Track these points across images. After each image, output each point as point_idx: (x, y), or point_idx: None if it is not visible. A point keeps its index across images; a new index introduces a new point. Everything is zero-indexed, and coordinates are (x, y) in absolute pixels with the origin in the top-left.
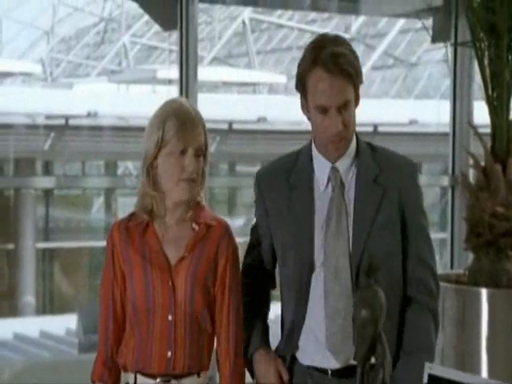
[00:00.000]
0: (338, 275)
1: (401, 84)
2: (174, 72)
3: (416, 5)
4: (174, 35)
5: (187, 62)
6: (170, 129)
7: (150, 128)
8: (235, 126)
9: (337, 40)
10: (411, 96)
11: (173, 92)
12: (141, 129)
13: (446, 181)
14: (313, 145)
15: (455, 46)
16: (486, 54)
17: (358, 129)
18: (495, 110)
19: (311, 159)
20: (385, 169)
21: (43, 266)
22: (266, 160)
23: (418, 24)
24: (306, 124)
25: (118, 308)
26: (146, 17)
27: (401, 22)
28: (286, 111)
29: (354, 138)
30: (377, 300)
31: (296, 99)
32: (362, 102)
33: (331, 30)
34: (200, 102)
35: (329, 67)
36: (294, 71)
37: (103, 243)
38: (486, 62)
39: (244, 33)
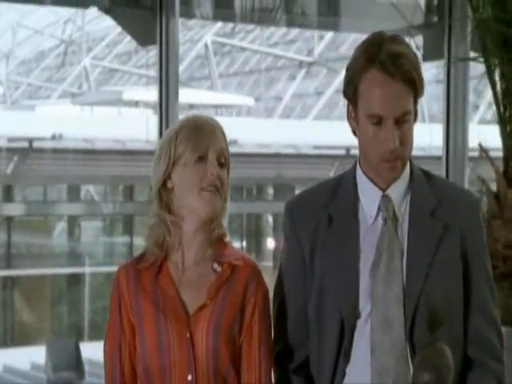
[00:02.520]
0: (389, 326)
1: None
2: (140, 94)
3: (401, 22)
4: (136, 58)
5: (167, 80)
6: (183, 140)
7: (160, 147)
8: None
9: (396, 39)
10: None
11: (147, 113)
12: (107, 152)
13: None
14: (357, 168)
15: (448, 64)
16: (498, 69)
17: (327, 152)
18: (509, 131)
19: (356, 186)
20: (444, 201)
21: (4, 294)
22: (234, 184)
23: None
24: (275, 147)
25: (126, 370)
26: (107, 39)
27: None
28: (256, 134)
29: (408, 163)
30: (443, 361)
31: (264, 122)
32: (332, 124)
33: (294, 54)
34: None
35: (388, 68)
36: (258, 93)
37: (67, 270)
38: (497, 78)
39: (206, 55)
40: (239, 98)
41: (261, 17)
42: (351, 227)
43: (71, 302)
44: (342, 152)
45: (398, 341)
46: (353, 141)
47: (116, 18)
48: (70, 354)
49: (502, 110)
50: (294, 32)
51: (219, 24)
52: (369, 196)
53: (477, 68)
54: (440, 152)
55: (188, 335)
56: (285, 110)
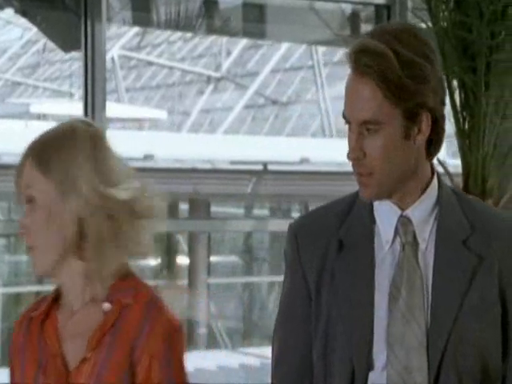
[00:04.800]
0: (409, 376)
1: (272, 123)
2: (49, 106)
3: (328, 34)
4: (41, 71)
5: (93, 89)
6: None
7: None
8: None
9: (385, 30)
10: (282, 135)
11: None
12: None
13: None
14: None
15: None
16: (457, 79)
17: (245, 167)
18: (469, 145)
19: (371, 205)
20: (480, 228)
21: None
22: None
23: (288, 64)
24: (191, 162)
25: None
26: (10, 52)
27: (272, 62)
28: (171, 148)
29: (436, 180)
30: None
31: (179, 136)
32: (249, 139)
33: (202, 69)
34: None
35: (353, 65)
36: (166, 108)
37: None
38: (457, 88)
39: (113, 69)
40: (153, 112)
41: (186, 23)
42: (365, 254)
43: None
44: (260, 167)
45: None
46: (270, 156)
47: (35, 21)
48: None
49: (461, 122)
50: (202, 47)
51: (126, 37)
52: (385, 216)
53: None
54: None
55: None
56: (193, 125)
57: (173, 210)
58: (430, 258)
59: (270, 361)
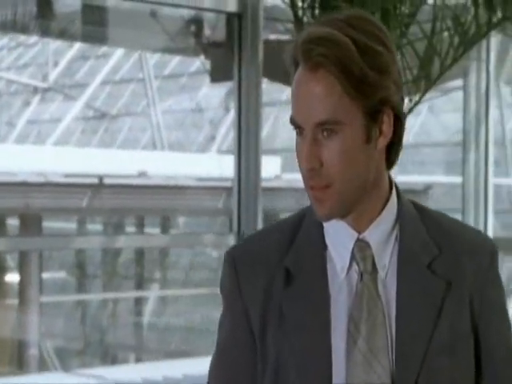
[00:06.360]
0: None
1: (101, 136)
2: None
3: (177, 41)
4: None
5: None
6: None
7: None
8: None
9: (335, 17)
10: (112, 147)
11: None
12: None
13: (232, 240)
14: None
15: (239, 86)
16: None
17: (80, 180)
18: None
19: (321, 226)
20: (446, 248)
21: None
22: None
23: (118, 76)
24: (22, 174)
25: None
26: None
27: (102, 74)
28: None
29: (394, 195)
30: None
31: (9, 148)
32: (83, 152)
33: (28, 79)
34: None
35: (303, 57)
36: None
37: None
38: None
39: None
40: None
41: (23, 26)
42: (318, 285)
43: None
44: (95, 181)
45: None
46: (105, 169)
47: None
48: None
49: None
50: (27, 56)
51: None
52: (339, 240)
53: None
54: (230, 183)
55: None
56: (19, 136)
57: (1, 227)
58: (392, 287)
59: (109, 381)
